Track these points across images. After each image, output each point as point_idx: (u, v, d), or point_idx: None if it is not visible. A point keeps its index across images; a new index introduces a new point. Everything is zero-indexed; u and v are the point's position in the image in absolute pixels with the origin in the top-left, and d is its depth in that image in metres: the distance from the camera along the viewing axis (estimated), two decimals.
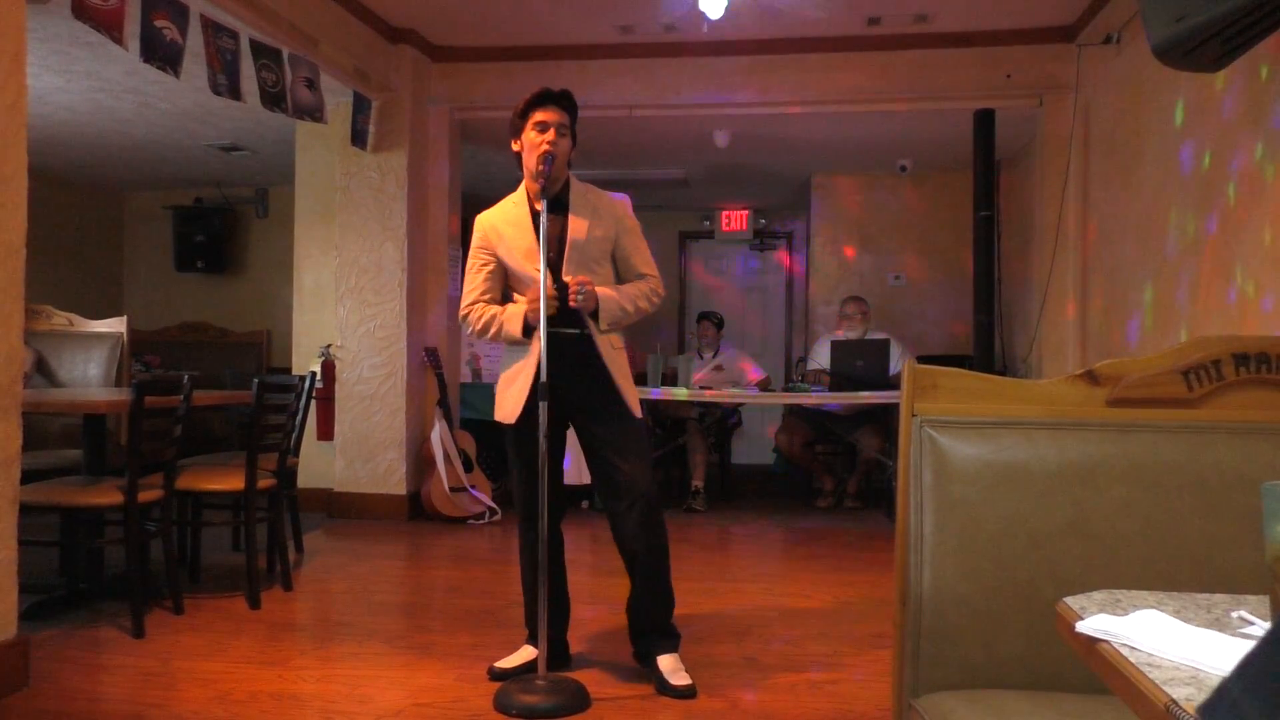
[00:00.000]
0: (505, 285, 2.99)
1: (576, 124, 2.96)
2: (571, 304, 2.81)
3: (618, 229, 2.97)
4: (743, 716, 2.68)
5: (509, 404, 2.92)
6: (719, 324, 6.78)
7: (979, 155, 5.54)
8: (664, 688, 2.81)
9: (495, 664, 2.95)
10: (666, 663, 2.87)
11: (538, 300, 2.74)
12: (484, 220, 2.99)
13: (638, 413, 2.96)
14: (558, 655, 2.98)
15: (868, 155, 7.18)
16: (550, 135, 2.84)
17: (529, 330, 2.83)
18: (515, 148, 2.95)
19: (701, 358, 6.63)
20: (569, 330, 2.87)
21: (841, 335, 6.47)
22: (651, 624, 2.95)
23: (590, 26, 5.48)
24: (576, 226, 2.90)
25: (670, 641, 2.93)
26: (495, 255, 2.95)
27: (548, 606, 2.83)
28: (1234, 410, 1.61)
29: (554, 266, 2.87)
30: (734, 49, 5.65)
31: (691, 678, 2.84)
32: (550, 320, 2.76)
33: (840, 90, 5.67)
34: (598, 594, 3.89)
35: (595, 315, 2.86)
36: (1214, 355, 1.62)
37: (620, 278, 3.00)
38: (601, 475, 2.94)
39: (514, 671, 2.89)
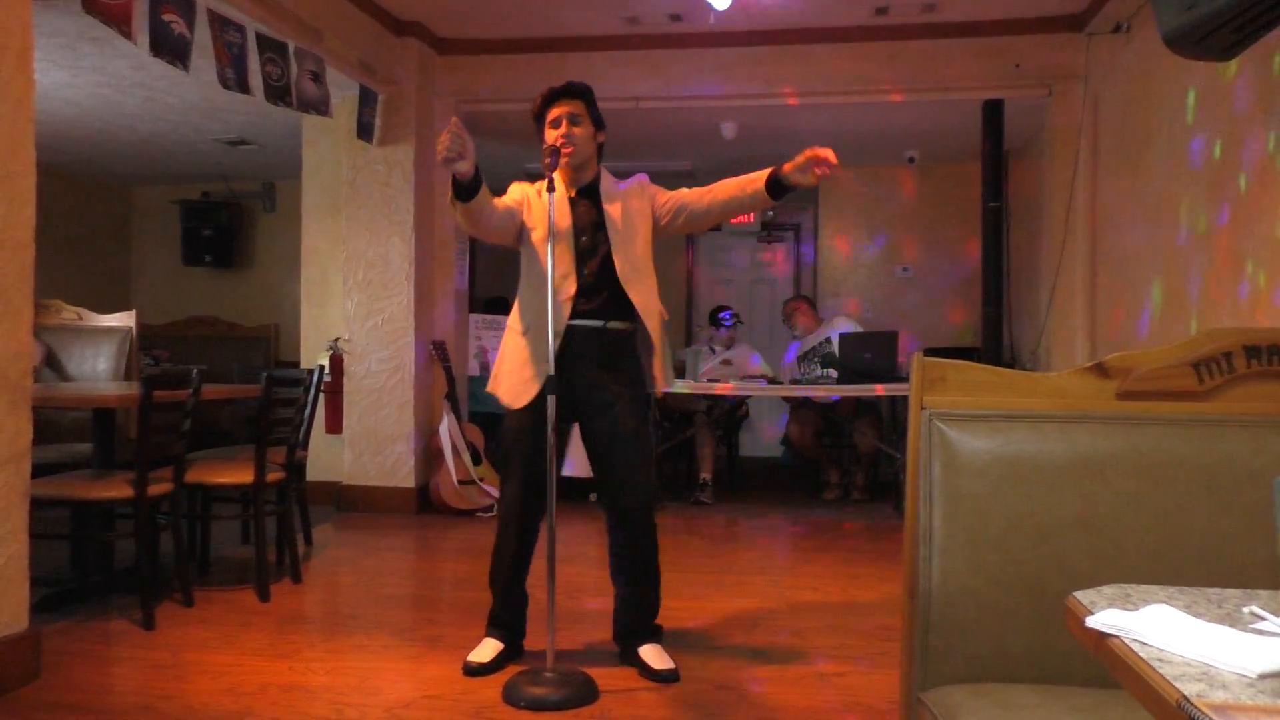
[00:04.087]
0: (524, 248, 2.99)
1: (594, 106, 2.99)
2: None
3: (649, 194, 3.02)
4: (750, 708, 2.68)
5: (518, 388, 2.92)
6: (735, 321, 6.75)
7: (987, 146, 5.52)
8: (647, 672, 2.87)
9: (469, 659, 2.96)
10: (649, 651, 2.93)
11: (453, 160, 2.58)
12: (522, 185, 3.03)
13: (665, 386, 3.03)
14: (518, 647, 3.05)
15: (875, 147, 7.15)
16: (562, 129, 2.89)
17: (459, 188, 2.66)
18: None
19: (713, 351, 6.61)
20: (591, 323, 2.90)
21: (797, 340, 6.52)
22: (639, 624, 3.00)
23: (596, 18, 5.46)
24: (612, 210, 2.96)
25: (654, 636, 2.99)
26: (522, 214, 2.96)
27: (519, 598, 3.03)
28: (1245, 403, 1.60)
29: (587, 252, 2.93)
30: (741, 40, 5.63)
31: (675, 663, 2.89)
32: (576, 311, 2.84)
33: (848, 81, 5.64)
34: (605, 587, 3.88)
35: (786, 186, 2.80)
36: (1225, 347, 1.61)
37: (670, 221, 2.99)
38: (604, 472, 2.98)
39: (490, 665, 2.92)
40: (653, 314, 2.97)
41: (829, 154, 2.69)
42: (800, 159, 2.74)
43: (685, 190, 3.03)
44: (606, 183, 3.03)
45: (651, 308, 2.97)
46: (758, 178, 2.86)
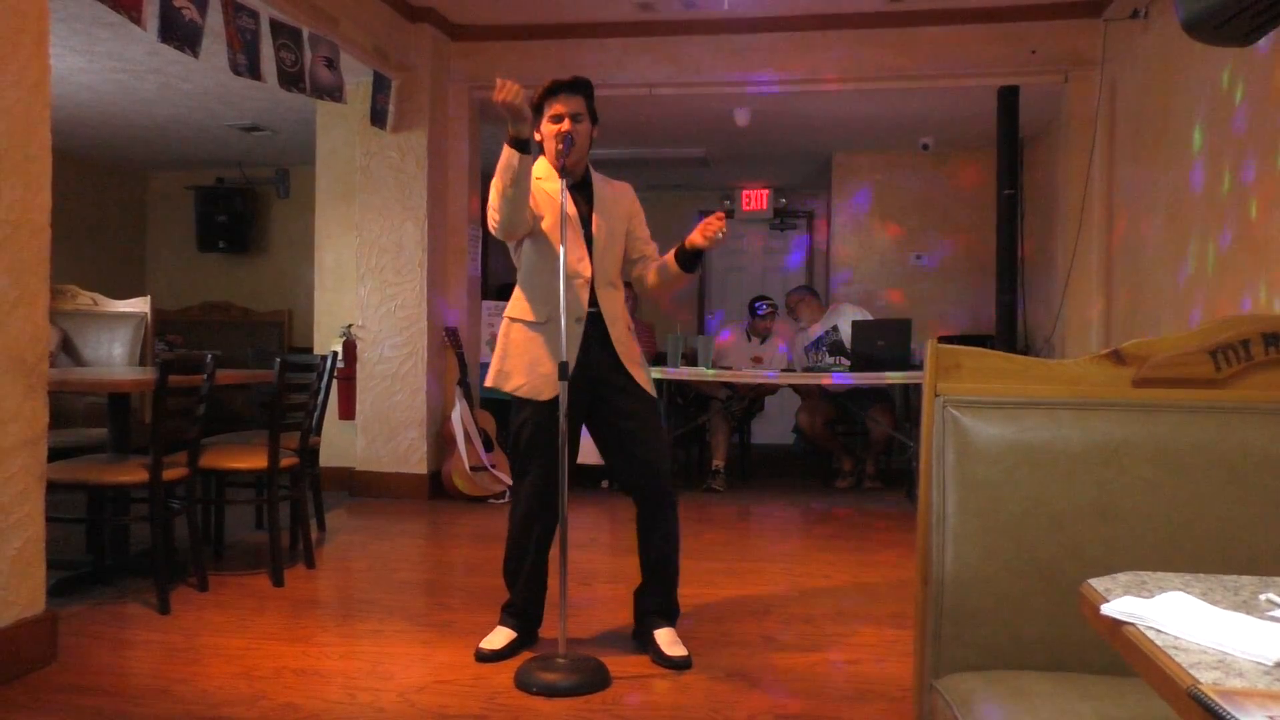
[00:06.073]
0: (531, 238, 2.98)
1: (593, 102, 3.00)
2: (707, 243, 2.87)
3: (630, 210, 3.10)
4: (762, 695, 2.69)
5: (539, 382, 2.91)
6: (768, 310, 6.69)
7: (1002, 133, 5.48)
8: (660, 658, 2.88)
9: (481, 645, 2.96)
10: (664, 636, 2.94)
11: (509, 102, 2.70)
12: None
13: (652, 393, 3.03)
14: (532, 635, 3.07)
15: (890, 133, 7.11)
16: (564, 125, 2.90)
17: (518, 143, 2.76)
18: (537, 138, 2.99)
19: (749, 339, 6.58)
20: (597, 310, 2.92)
21: (805, 328, 6.51)
22: (655, 605, 3.01)
23: (610, 4, 5.44)
24: (601, 209, 2.99)
25: (668, 618, 3.00)
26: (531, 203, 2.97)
27: (538, 587, 3.03)
28: (1262, 390, 1.59)
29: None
30: (755, 26, 5.60)
31: (688, 650, 2.90)
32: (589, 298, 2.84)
33: (862, 67, 5.60)
34: (617, 573, 3.90)
35: (698, 259, 2.94)
36: (1243, 335, 1.59)
37: (628, 256, 3.09)
38: (621, 460, 2.97)
39: (503, 652, 2.93)
40: (618, 320, 2.98)
41: (715, 218, 2.83)
42: (697, 229, 2.87)
43: (654, 246, 3.12)
44: (598, 180, 3.06)
45: (617, 313, 2.99)
46: (671, 252, 2.99)
